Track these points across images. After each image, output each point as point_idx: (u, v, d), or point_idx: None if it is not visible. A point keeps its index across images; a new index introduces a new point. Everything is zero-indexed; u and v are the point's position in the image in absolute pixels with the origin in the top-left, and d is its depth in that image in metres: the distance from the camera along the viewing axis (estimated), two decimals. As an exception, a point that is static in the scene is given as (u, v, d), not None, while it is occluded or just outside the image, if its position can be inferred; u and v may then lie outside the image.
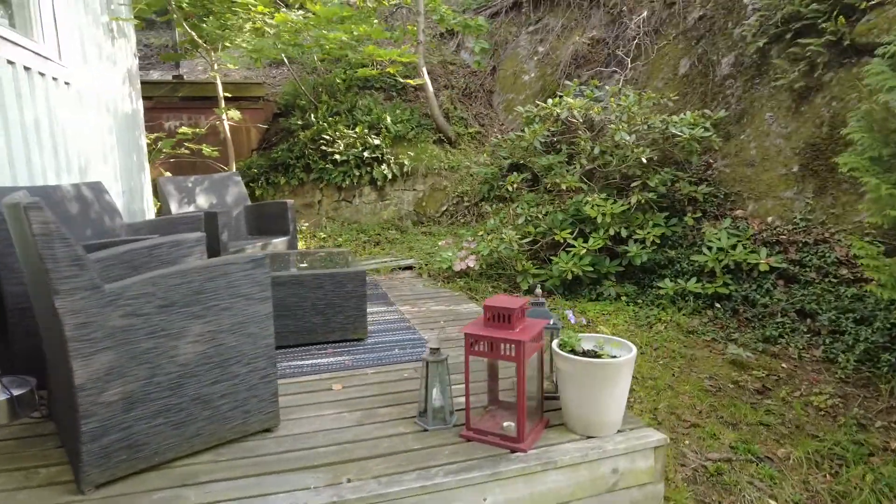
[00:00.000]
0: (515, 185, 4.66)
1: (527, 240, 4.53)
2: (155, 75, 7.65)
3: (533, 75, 6.82)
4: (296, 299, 3.12)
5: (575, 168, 4.49)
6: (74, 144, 3.68)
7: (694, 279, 4.06)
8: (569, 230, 4.43)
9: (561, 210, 4.57)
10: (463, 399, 2.32)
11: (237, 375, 2.08)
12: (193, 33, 5.52)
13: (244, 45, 5.22)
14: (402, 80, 7.12)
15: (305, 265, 3.41)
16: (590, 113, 4.44)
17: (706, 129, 4.31)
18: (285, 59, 6.40)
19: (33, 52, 3.17)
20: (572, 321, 2.60)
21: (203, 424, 2.02)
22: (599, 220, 4.31)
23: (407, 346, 3.15)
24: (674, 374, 3.29)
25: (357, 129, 6.14)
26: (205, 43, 5.51)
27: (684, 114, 4.43)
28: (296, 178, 6.26)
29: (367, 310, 3.81)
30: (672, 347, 3.59)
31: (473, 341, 2.07)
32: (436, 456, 2.01)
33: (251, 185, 6.33)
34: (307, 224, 6.15)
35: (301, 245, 5.73)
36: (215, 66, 5.71)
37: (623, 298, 4.29)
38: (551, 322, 2.34)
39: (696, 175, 4.70)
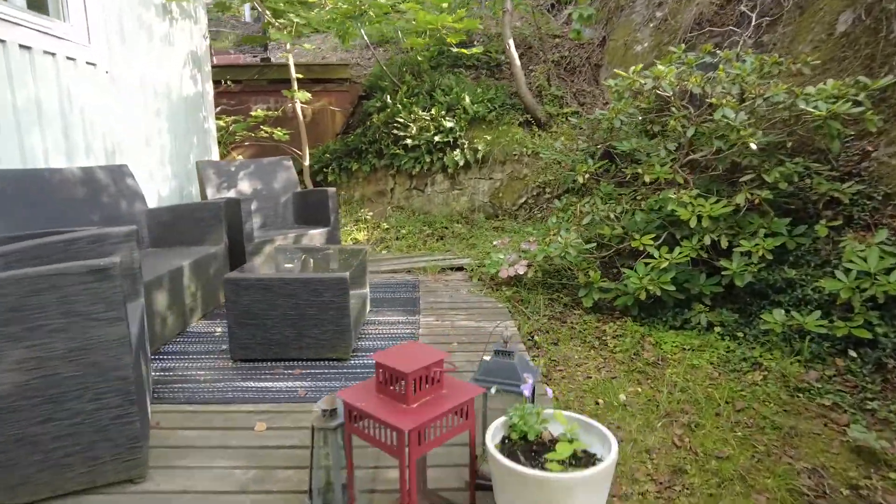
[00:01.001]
0: (588, 175, 3.77)
1: (592, 244, 3.63)
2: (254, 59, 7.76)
3: (647, 45, 5.68)
4: (263, 306, 2.66)
5: (658, 154, 3.47)
6: (99, 127, 3.59)
7: (818, 313, 2.90)
8: (651, 235, 3.45)
9: (641, 209, 3.59)
10: (388, 475, 1.68)
11: (78, 414, 1.65)
12: (267, 13, 5.33)
13: (296, 19, 4.90)
14: (494, 56, 6.39)
15: (291, 266, 2.94)
16: (686, 84, 3.39)
17: (856, 104, 3.05)
18: (364, 37, 6.01)
19: (38, 30, 3.05)
20: (549, 395, 1.80)
21: (31, 472, 1.62)
22: (693, 223, 3.28)
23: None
24: (755, 456, 2.29)
25: (433, 111, 5.57)
26: (277, 22, 5.30)
27: (825, 83, 3.19)
28: (368, 164, 5.87)
29: (382, 318, 3.28)
30: (764, 411, 2.55)
31: (354, 414, 1.41)
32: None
33: (325, 170, 6.08)
34: (371, 214, 5.74)
35: (360, 236, 5.34)
36: (287, 47, 5.50)
37: (717, 330, 3.24)
38: (523, 386, 1.59)
39: (842, 167, 3.42)
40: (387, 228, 5.41)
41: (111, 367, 1.66)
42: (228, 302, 2.66)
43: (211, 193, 4.21)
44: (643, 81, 3.46)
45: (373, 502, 1.64)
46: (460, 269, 4.45)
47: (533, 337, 3.32)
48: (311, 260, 3.12)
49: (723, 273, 3.27)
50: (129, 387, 1.69)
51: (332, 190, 4.32)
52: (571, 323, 3.49)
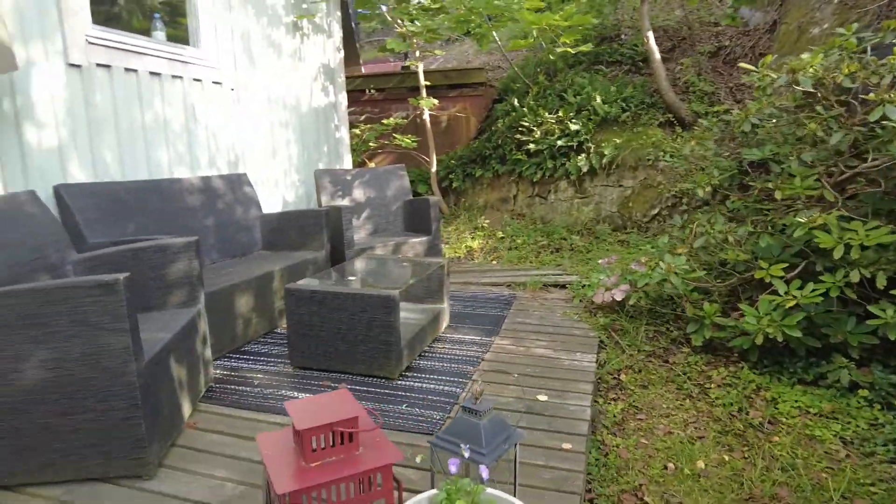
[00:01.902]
0: (710, 188, 3.17)
1: (703, 272, 3.07)
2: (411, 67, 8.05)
3: (826, 26, 4.66)
4: (317, 319, 2.70)
5: (793, 164, 2.79)
6: (223, 140, 3.98)
7: None
8: (783, 265, 2.80)
9: (770, 232, 2.92)
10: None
11: (91, 411, 1.80)
12: (399, 22, 5.47)
13: (412, 28, 4.89)
14: (640, 51, 5.80)
15: (353, 278, 2.94)
16: (838, 76, 2.65)
17: None
18: (496, 40, 5.85)
19: (167, 58, 3.47)
20: (484, 476, 1.47)
21: (54, 457, 1.81)
22: (838, 253, 2.59)
23: (436, 405, 2.40)
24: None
25: (560, 113, 5.22)
26: (403, 30, 5.41)
27: None
28: (491, 170, 5.72)
29: (456, 336, 3.17)
30: (898, 517, 1.90)
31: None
32: None
33: (450, 176, 6.07)
34: (488, 222, 5.57)
35: (475, 245, 5.22)
36: (417, 54, 5.58)
37: (862, 393, 2.53)
38: (450, 460, 1.36)
39: None
40: (501, 237, 5.22)
41: (118, 373, 1.78)
42: (288, 311, 2.74)
43: (325, 200, 4.44)
44: (775, 76, 2.81)
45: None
46: (564, 287, 4.11)
47: (619, 375, 2.91)
48: (380, 273, 3.10)
49: (874, 320, 2.53)
50: (133, 392, 1.80)
51: (434, 199, 4.28)
52: (673, 363, 2.99)
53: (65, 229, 2.79)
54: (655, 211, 4.75)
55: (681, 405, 2.66)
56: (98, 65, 3.04)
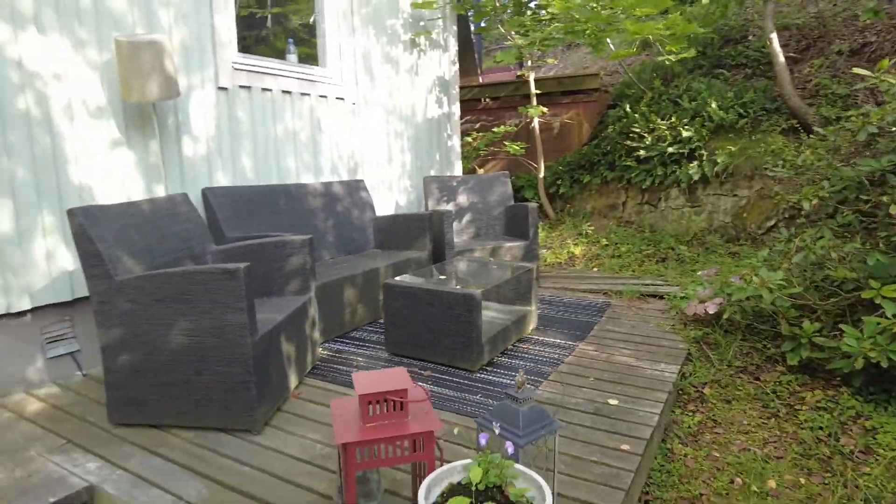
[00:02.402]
0: (817, 200, 2.98)
1: (799, 289, 2.91)
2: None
3: None
4: (409, 312, 2.99)
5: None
6: (344, 149, 4.45)
7: None
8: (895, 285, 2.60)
9: (882, 250, 2.71)
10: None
11: (217, 373, 2.23)
12: (512, 34, 5.67)
13: (520, 40, 5.01)
14: (766, 52, 5.46)
15: (444, 277, 3.19)
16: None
17: None
18: (611, 46, 5.81)
19: (297, 78, 3.99)
20: (509, 451, 1.59)
21: (192, 406, 2.27)
22: (962, 274, 2.38)
23: (503, 397, 2.59)
24: None
25: (673, 119, 5.09)
26: (515, 42, 5.59)
27: None
28: (599, 176, 5.70)
29: (541, 338, 3.32)
30: None
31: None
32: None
33: (557, 182, 6.13)
34: (593, 228, 5.55)
35: (577, 251, 5.25)
36: (528, 63, 5.73)
37: (983, 428, 2.29)
38: (480, 436, 1.54)
39: None
40: (605, 245, 5.21)
41: (237, 344, 2.19)
42: (385, 303, 3.07)
43: (431, 205, 4.77)
44: (894, 81, 2.61)
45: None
46: (662, 297, 4.05)
47: (703, 389, 2.88)
48: (471, 273, 3.32)
49: None
50: (248, 361, 2.20)
51: (532, 205, 4.43)
52: (764, 381, 2.89)
53: (208, 225, 3.36)
54: (772, 223, 4.48)
55: (764, 423, 2.58)
56: (241, 86, 3.61)
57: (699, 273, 3.79)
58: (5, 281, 2.60)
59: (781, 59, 4.72)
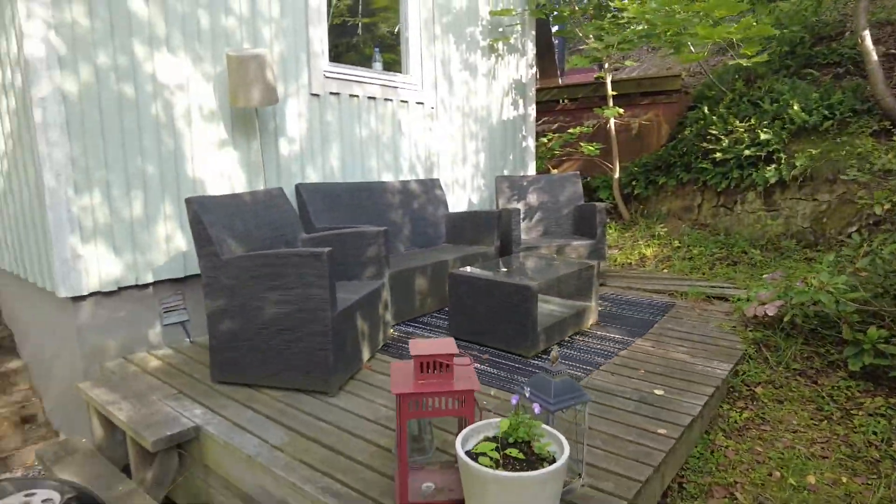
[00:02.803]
0: (886, 205, 2.90)
1: (860, 293, 2.87)
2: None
3: None
4: (470, 299, 3.25)
5: None
6: (422, 150, 4.78)
7: None
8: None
9: (956, 255, 2.63)
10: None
11: (302, 341, 2.59)
12: (589, 38, 5.78)
13: (595, 43, 5.06)
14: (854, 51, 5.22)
15: (506, 270, 3.42)
16: None
17: None
18: (691, 49, 5.74)
19: (380, 84, 4.36)
20: (536, 412, 1.79)
21: (279, 369, 2.66)
22: None
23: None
24: None
25: (752, 121, 4.99)
26: (591, 46, 5.68)
27: None
28: (675, 178, 5.66)
29: (600, 333, 3.48)
30: None
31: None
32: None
33: (632, 183, 6.14)
34: (666, 230, 5.52)
35: (648, 252, 5.28)
36: (606, 66, 5.79)
37: None
38: (513, 398, 1.77)
39: None
40: (677, 247, 5.20)
41: (319, 317, 2.54)
42: (451, 291, 3.34)
43: (502, 203, 4.99)
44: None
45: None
46: (727, 300, 4.04)
47: (755, 388, 2.93)
48: (532, 267, 3.53)
49: None
50: (327, 332, 2.54)
51: (600, 205, 4.54)
52: (821, 384, 2.90)
53: (299, 216, 3.79)
54: (854, 228, 4.32)
55: (814, 425, 2.61)
56: (331, 93, 4.02)
57: (764, 276, 3.77)
58: (135, 258, 3.13)
59: (874, 57, 4.52)
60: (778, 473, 2.28)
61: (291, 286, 2.55)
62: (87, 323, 3.02)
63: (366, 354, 2.98)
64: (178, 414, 2.45)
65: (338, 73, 4.06)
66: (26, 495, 1.32)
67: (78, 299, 2.98)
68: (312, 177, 3.96)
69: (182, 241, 3.31)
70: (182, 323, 3.40)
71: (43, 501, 1.31)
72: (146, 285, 3.24)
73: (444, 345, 1.79)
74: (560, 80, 8.37)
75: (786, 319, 3.23)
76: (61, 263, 2.86)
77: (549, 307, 3.60)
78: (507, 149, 5.73)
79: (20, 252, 3.32)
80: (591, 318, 3.63)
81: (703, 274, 4.66)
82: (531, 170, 6.11)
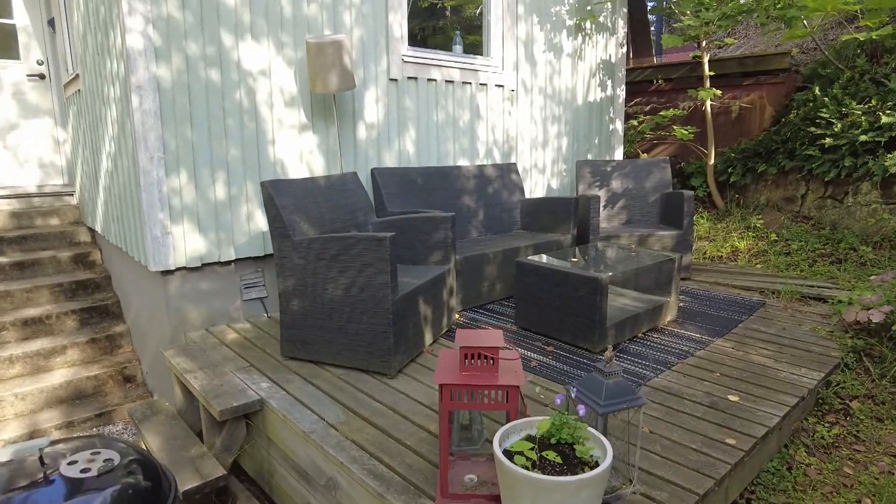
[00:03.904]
0: None
1: None
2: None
3: None
4: (537, 289, 3.17)
5: None
6: (499, 134, 4.70)
7: None
8: None
9: None
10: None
11: (365, 323, 2.65)
12: (686, 13, 5.38)
13: (688, 21, 4.64)
14: None
15: (577, 260, 3.29)
16: None
17: None
18: (804, 24, 5.16)
19: (459, 68, 4.31)
20: (580, 414, 1.69)
21: (342, 348, 2.74)
22: None
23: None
24: None
25: (872, 102, 4.43)
26: (684, 23, 5.27)
27: None
28: (776, 165, 5.16)
29: (677, 330, 3.30)
30: None
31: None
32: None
33: (728, 170, 5.68)
34: (763, 222, 5.06)
35: (742, 245, 4.88)
36: (703, 44, 5.36)
37: None
38: (557, 397, 1.69)
39: None
40: (774, 240, 4.77)
41: (381, 300, 2.59)
42: (517, 279, 3.28)
43: (582, 189, 4.81)
44: None
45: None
46: (826, 301, 3.66)
47: (850, 402, 2.64)
48: (607, 258, 3.38)
49: None
50: (388, 316, 2.58)
51: (688, 193, 4.25)
52: (934, 402, 2.56)
53: (372, 200, 3.86)
54: None
55: (921, 449, 2.31)
56: (409, 77, 4.03)
57: (872, 277, 3.37)
58: (218, 236, 3.33)
59: None
60: (869, 501, 2.05)
61: (356, 269, 2.61)
62: (174, 295, 3.27)
63: (428, 338, 3.00)
64: (247, 386, 2.60)
65: (416, 57, 4.06)
66: (92, 453, 1.46)
67: (167, 273, 3.23)
68: (388, 161, 4.02)
69: (262, 221, 3.48)
70: (261, 299, 3.59)
71: (105, 461, 1.43)
72: (228, 262, 3.45)
73: (491, 337, 1.75)
74: (655, 60, 7.89)
75: (895, 328, 2.88)
76: (152, 240, 3.10)
77: (623, 301, 3.44)
78: (592, 132, 5.50)
79: (123, 228, 3.64)
80: (670, 315, 3.43)
81: (802, 272, 4.25)
82: (618, 154, 5.84)
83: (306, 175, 3.64)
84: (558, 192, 5.29)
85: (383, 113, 3.93)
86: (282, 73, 3.45)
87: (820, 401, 2.64)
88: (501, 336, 1.77)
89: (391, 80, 3.94)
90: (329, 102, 3.65)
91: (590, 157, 5.53)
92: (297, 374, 2.73)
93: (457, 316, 3.54)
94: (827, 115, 4.71)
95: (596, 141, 5.57)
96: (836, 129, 4.60)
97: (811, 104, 4.95)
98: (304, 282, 2.76)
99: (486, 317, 3.54)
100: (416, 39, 4.24)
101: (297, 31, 3.47)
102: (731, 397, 2.45)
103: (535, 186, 5.09)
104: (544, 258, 3.34)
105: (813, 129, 4.80)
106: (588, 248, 3.67)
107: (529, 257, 3.32)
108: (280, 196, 2.78)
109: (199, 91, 3.16)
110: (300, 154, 3.59)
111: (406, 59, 4.00)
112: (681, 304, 3.77)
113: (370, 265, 2.57)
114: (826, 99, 4.79)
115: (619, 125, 5.78)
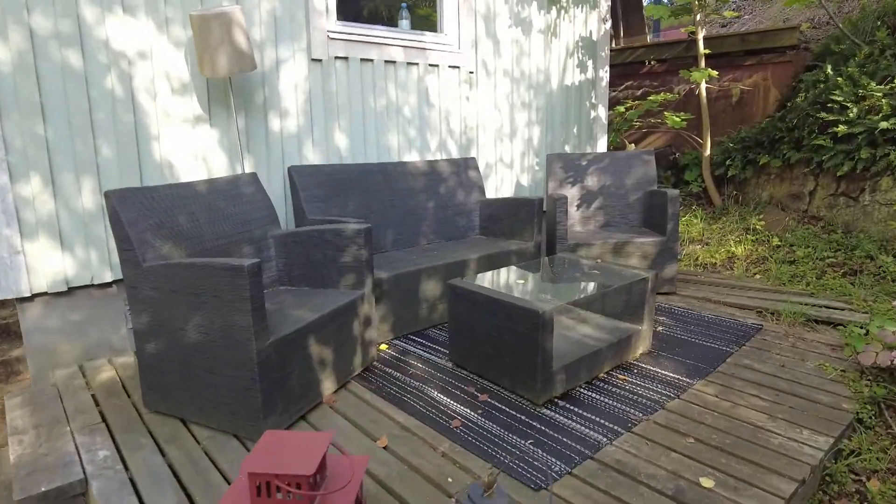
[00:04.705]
0: None
1: None
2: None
3: None
4: (470, 319, 2.55)
5: None
6: (455, 124, 4.04)
7: None
8: None
9: None
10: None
11: (227, 376, 2.05)
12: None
13: None
14: None
15: (522, 282, 2.66)
16: None
17: None
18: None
19: (402, 46, 3.66)
20: None
21: (206, 404, 2.14)
22: None
23: (564, 453, 2.06)
24: None
25: (894, 83, 3.73)
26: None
27: None
28: (780, 157, 4.47)
29: (650, 368, 2.67)
30: None
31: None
32: None
33: (727, 162, 4.99)
34: (764, 223, 4.38)
35: (739, 251, 4.21)
36: (698, 18, 4.65)
37: None
38: None
39: None
40: (777, 245, 4.09)
41: (243, 348, 1.98)
42: (450, 305, 2.66)
43: (553, 187, 4.16)
44: None
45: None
46: (837, 326, 3.01)
47: (867, 480, 2.01)
48: (564, 277, 2.74)
49: None
50: (253, 367, 1.97)
51: (672, 192, 3.59)
52: (979, 482, 1.92)
53: (286, 206, 3.24)
54: None
55: (963, 561, 1.68)
56: (337, 57, 3.39)
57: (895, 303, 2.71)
58: (89, 254, 2.74)
59: None
60: None
61: (212, 306, 2.00)
62: (33, 327, 2.68)
63: (329, 386, 2.39)
64: (78, 457, 2.01)
65: (346, 33, 3.42)
66: None
67: (23, 301, 2.64)
68: (313, 158, 3.39)
69: (148, 233, 2.88)
70: (155, 325, 3.00)
71: None
72: (107, 284, 2.85)
73: (306, 451, 1.14)
74: (649, 38, 7.16)
75: (925, 373, 2.23)
76: (-12, 262, 2.51)
77: (583, 331, 2.81)
78: (570, 120, 4.84)
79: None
80: (642, 346, 2.80)
81: (808, 285, 3.58)
82: (602, 145, 5.17)
83: (204, 177, 3.02)
84: (529, 189, 4.64)
85: (303, 100, 3.29)
86: (167, 55, 2.82)
87: (827, 478, 2.01)
88: (325, 446, 1.16)
89: (314, 60, 3.30)
90: (235, 88, 3.02)
91: (567, 148, 4.87)
92: (151, 437, 2.13)
93: (383, 347, 2.93)
94: (841, 98, 4.00)
95: (575, 130, 4.90)
96: (851, 115, 3.90)
97: (822, 85, 4.24)
98: (159, 318, 2.15)
99: (420, 348, 2.93)
100: (351, 12, 3.59)
101: (185, 2, 2.83)
102: (705, 482, 1.82)
103: (502, 183, 4.44)
104: (485, 279, 2.71)
105: (824, 114, 4.10)
106: (544, 264, 3.03)
107: (464, 279, 2.70)
108: (128, 210, 2.17)
109: (52, 77, 2.54)
110: (195, 152, 2.97)
111: (333, 35, 3.35)
112: (660, 329, 3.13)
113: (228, 302, 1.96)
114: (840, 79, 4.08)
115: (601, 112, 5.10)
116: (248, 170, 3.14)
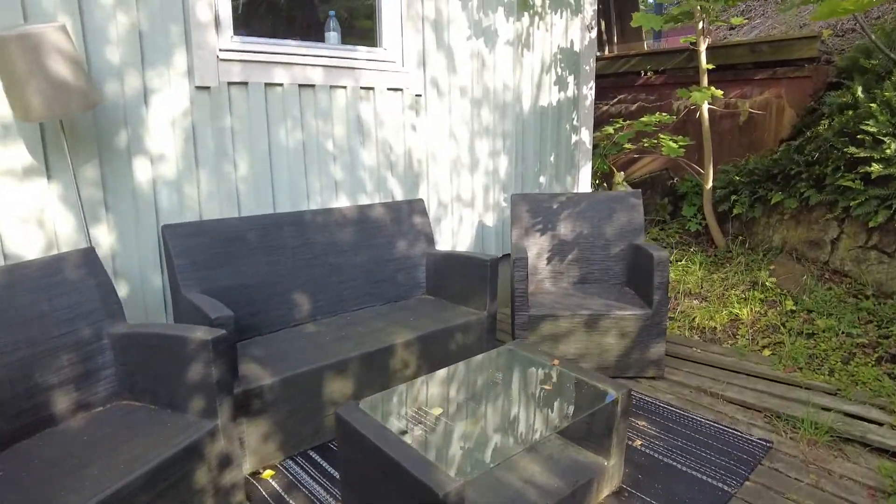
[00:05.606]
0: None
1: None
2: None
3: None
4: (361, 466, 1.83)
5: None
6: (398, 158, 3.31)
7: None
8: None
9: None
10: None
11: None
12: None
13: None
14: None
15: (440, 412, 1.93)
16: None
17: None
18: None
19: (326, 65, 2.92)
20: None
21: None
22: None
23: None
24: None
25: (945, 115, 2.97)
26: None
27: None
28: (797, 195, 3.71)
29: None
30: None
31: None
32: None
33: (732, 197, 4.22)
34: (774, 279, 3.62)
35: (743, 313, 3.46)
36: (700, 26, 3.89)
37: None
38: None
39: None
40: (792, 310, 3.34)
41: None
42: (338, 441, 1.94)
43: (517, 236, 3.42)
44: None
45: None
46: (883, 452, 2.27)
47: None
48: (504, 399, 2.01)
49: None
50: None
51: (660, 255, 2.85)
52: None
53: (169, 276, 2.53)
54: None
55: None
56: (231, 83, 2.66)
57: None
58: None
59: None
60: None
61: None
62: None
63: (151, 573, 1.69)
64: None
65: (245, 51, 2.69)
66: None
67: None
68: (204, 211, 2.68)
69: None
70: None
71: None
72: None
73: None
74: (646, 45, 6.37)
75: None
76: None
77: (523, 472, 2.09)
78: (546, 148, 4.09)
79: None
80: (608, 487, 2.08)
81: (831, 374, 2.83)
82: (585, 174, 4.42)
83: (43, 246, 2.31)
84: (495, 230, 3.91)
85: (182, 139, 2.57)
86: (-23, 86, 2.11)
87: None
88: None
89: (199, 88, 2.58)
90: (79, 131, 2.31)
91: (542, 179, 4.13)
92: None
93: (267, 475, 2.23)
94: (875, 130, 3.22)
95: (552, 158, 4.16)
96: (888, 152, 3.13)
97: (851, 112, 3.47)
98: None
99: (312, 480, 2.22)
100: (257, 25, 2.86)
101: (6, 16, 2.11)
102: None
103: (460, 225, 3.71)
104: (391, 403, 1.98)
105: (853, 149, 3.32)
106: (475, 371, 2.30)
107: (359, 405, 1.97)
108: None
109: None
110: (26, 215, 2.26)
111: (225, 55, 2.62)
112: (638, 444, 2.41)
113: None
114: (874, 105, 3.30)
115: (585, 135, 4.35)
116: (104, 235, 2.43)
